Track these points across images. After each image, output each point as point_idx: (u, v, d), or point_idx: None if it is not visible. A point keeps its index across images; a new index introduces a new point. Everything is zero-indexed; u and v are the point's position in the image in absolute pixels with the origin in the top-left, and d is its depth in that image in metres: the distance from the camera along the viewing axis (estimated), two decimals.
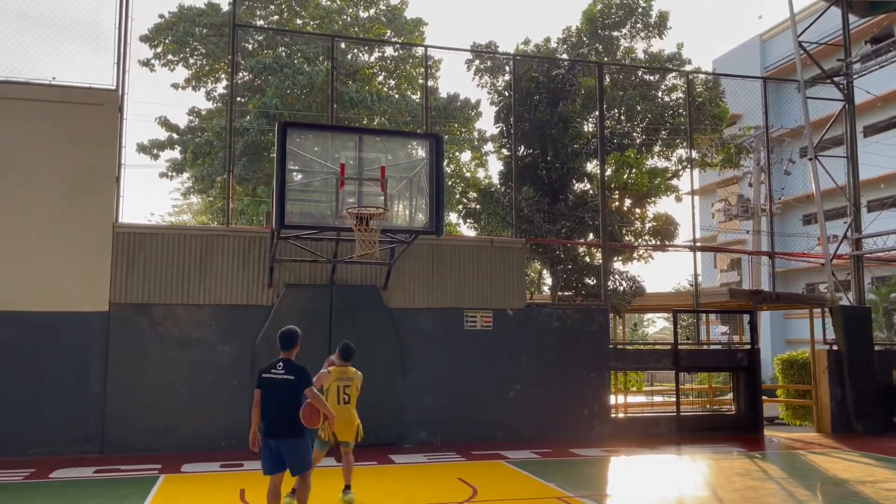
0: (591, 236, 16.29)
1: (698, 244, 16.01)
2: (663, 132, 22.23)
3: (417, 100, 27.38)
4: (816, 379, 15.22)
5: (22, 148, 11.68)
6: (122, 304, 11.84)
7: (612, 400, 15.01)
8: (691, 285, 16.02)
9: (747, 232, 27.26)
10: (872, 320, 26.75)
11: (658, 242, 18.71)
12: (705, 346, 16.14)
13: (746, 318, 15.55)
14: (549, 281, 18.63)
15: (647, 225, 19.36)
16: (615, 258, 19.14)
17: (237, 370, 12.01)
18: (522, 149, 16.74)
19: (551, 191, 16.37)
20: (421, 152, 10.65)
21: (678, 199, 23.48)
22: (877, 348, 15.37)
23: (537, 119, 16.22)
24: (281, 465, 6.41)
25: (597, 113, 20.23)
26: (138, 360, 11.77)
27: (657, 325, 53.93)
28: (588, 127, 18.96)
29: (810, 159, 15.55)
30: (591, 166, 18.30)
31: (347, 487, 7.94)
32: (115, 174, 12.14)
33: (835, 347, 15.04)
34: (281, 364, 6.48)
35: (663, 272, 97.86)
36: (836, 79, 16.17)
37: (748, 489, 8.92)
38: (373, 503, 8.11)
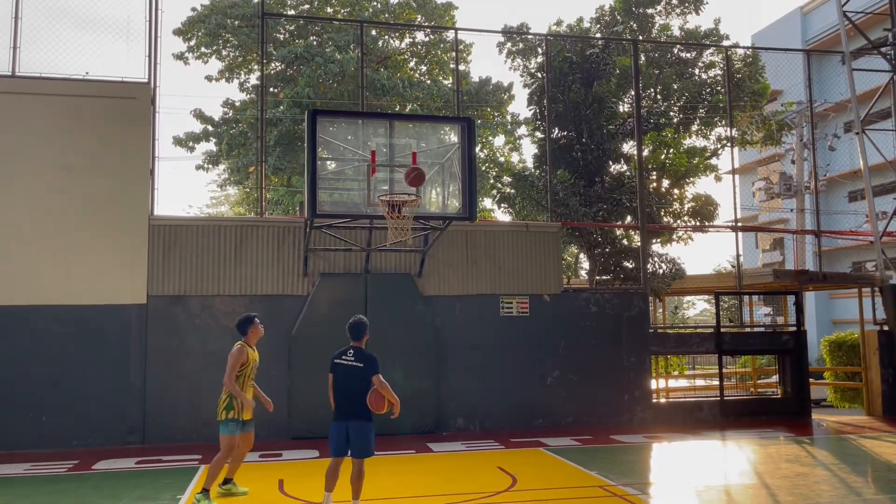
0: (628, 219, 15.93)
1: (739, 224, 15.55)
2: (701, 110, 21.68)
3: (449, 85, 27.13)
4: (867, 360, 14.74)
5: (58, 143, 11.78)
6: (159, 296, 11.93)
7: (654, 385, 14.75)
8: (733, 266, 15.57)
9: (791, 210, 26.50)
10: None
11: (697, 223, 18.26)
12: (749, 329, 15.70)
13: (792, 299, 15.11)
14: (586, 265, 18.33)
15: (687, 206, 18.91)
16: (654, 240, 18.75)
17: (274, 360, 12.01)
18: (557, 131, 16.41)
19: (587, 173, 16.03)
20: (453, 137, 10.47)
21: (718, 178, 22.93)
22: None
23: (571, 100, 15.87)
24: (346, 448, 6.72)
25: (632, 92, 19.78)
26: (177, 351, 11.86)
27: (697, 308, 53.03)
28: (623, 107, 18.54)
29: (857, 133, 14.97)
30: (628, 147, 17.90)
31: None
32: (149, 167, 12.21)
33: (885, 328, 14.53)
34: (351, 352, 6.88)
35: (703, 254, 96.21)
36: (882, 49, 15.51)
37: (797, 476, 8.63)
38: (411, 494, 8.02)
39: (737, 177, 49.88)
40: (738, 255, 14.24)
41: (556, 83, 16.23)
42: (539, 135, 17.42)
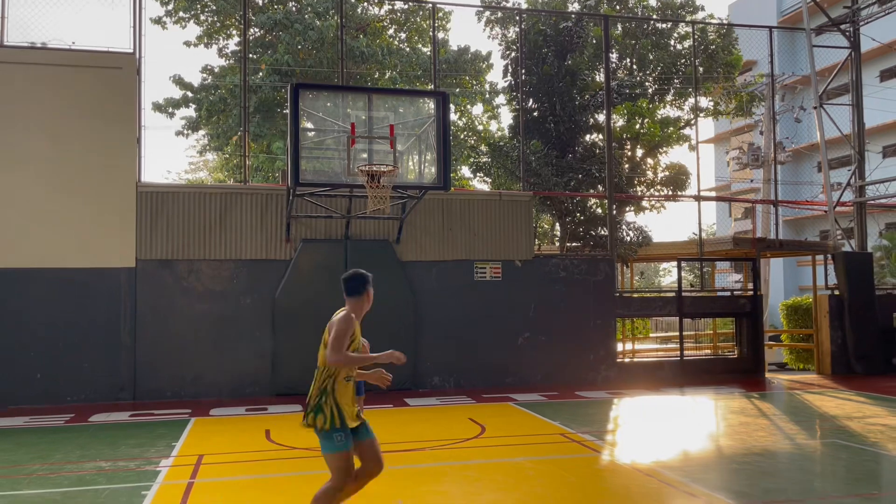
0: (599, 188, 16.61)
1: (711, 193, 16.31)
2: (676, 81, 22.29)
3: (428, 53, 27.46)
4: (818, 323, 15.67)
5: (48, 112, 12.16)
6: (147, 259, 12.45)
7: (620, 346, 15.57)
8: (707, 234, 16.42)
9: (752, 181, 27.35)
10: (885, 266, 27.08)
11: (670, 192, 19.00)
12: (708, 293, 16.55)
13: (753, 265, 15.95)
14: (559, 232, 19.04)
15: (660, 174, 19.64)
16: (628, 208, 19.49)
17: (258, 321, 12.65)
18: (531, 102, 16.98)
19: (559, 144, 16.66)
20: (431, 106, 11.01)
21: (692, 147, 23.61)
22: (878, 293, 15.74)
23: (544, 73, 16.42)
24: None
25: (599, 66, 20.41)
26: (165, 312, 12.43)
27: (672, 275, 54.25)
28: (599, 77, 19.11)
29: (815, 108, 15.70)
30: (601, 118, 18.52)
31: None
32: (136, 135, 12.62)
33: (836, 292, 15.44)
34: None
35: (678, 221, 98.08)
36: (842, 26, 16.19)
37: (741, 425, 9.48)
38: (389, 441, 8.74)
39: (711, 146, 50.73)
40: (699, 224, 14.99)
41: (530, 56, 16.76)
42: (515, 106, 17.96)
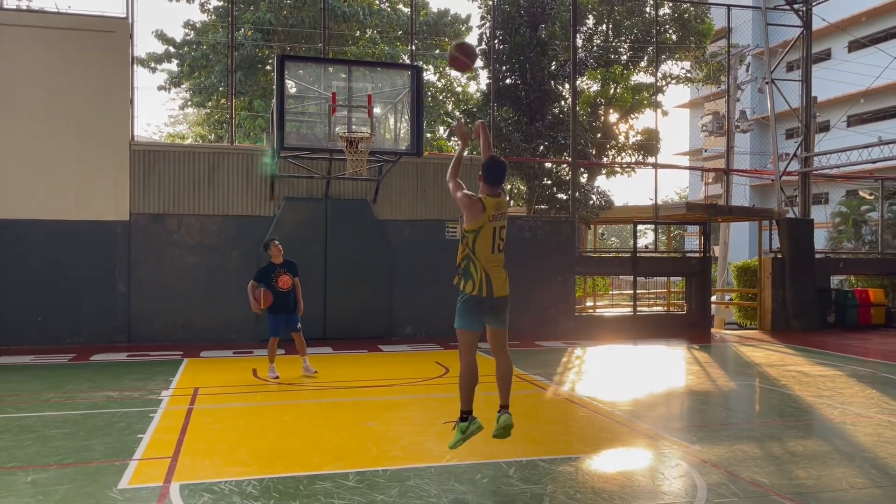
0: (565, 155, 17.65)
1: (683, 159, 17.42)
2: (650, 49, 23.21)
3: (408, 13, 28.07)
4: (762, 283, 17.02)
5: (45, 74, 12.91)
6: (140, 214, 13.38)
7: (580, 303, 16.81)
8: (680, 197, 17.54)
9: (715, 148, 28.53)
10: (843, 231, 28.58)
11: (638, 158, 20.12)
12: (661, 254, 17.79)
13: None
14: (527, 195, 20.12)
15: (632, 139, 20.72)
16: (602, 172, 20.59)
17: (244, 273, 13.59)
18: (504, 69, 17.89)
19: (529, 112, 17.64)
20: (405, 81, 11.95)
21: (664, 113, 24.74)
22: (818, 257, 17.08)
23: (516, 43, 17.32)
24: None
25: (578, 31, 21.24)
26: (157, 263, 13.42)
27: (648, 237, 55.71)
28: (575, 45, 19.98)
29: (767, 83, 16.80)
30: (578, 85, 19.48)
31: None
32: (129, 96, 13.42)
33: (779, 256, 16.76)
34: None
35: (649, 185, 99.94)
36: (795, 6, 17.20)
37: (674, 369, 10.78)
38: (363, 379, 9.93)
39: (687, 111, 51.51)
40: (655, 190, 16.10)
41: (504, 26, 17.62)
42: (487, 74, 18.87)
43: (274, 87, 11.34)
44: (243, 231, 13.81)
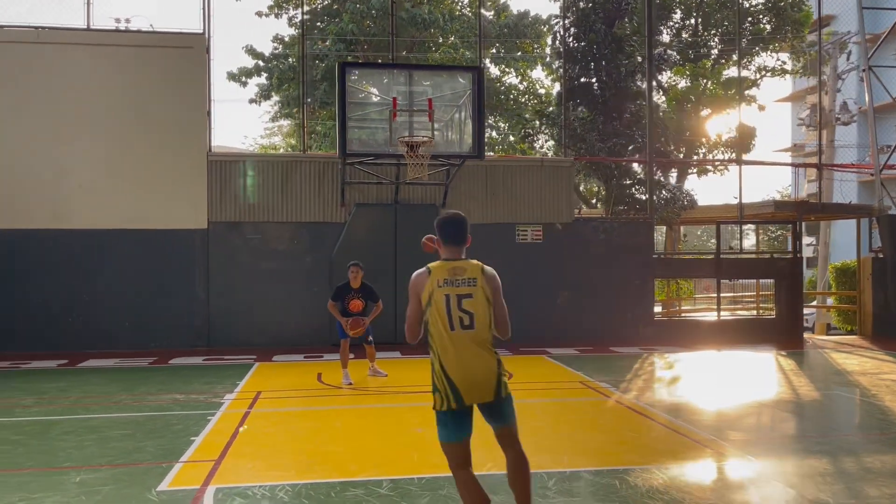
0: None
1: (786, 156, 16.53)
2: (743, 41, 22.12)
3: (490, 17, 27.98)
4: (861, 285, 15.86)
5: (128, 88, 13.58)
6: (217, 222, 13.84)
7: (672, 306, 16.16)
8: (782, 196, 16.64)
9: (816, 141, 26.84)
10: None
11: (733, 155, 19.10)
12: (748, 255, 16.86)
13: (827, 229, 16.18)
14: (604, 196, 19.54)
15: (725, 136, 19.77)
16: (690, 171, 19.76)
17: (316, 278, 13.90)
18: (578, 69, 17.46)
19: (605, 110, 17.12)
20: (467, 83, 11.80)
21: (761, 108, 23.46)
22: None
23: (590, 40, 16.87)
24: None
25: (661, 28, 20.53)
26: (234, 270, 13.84)
27: (750, 239, 53.23)
28: (661, 39, 19.30)
29: (864, 70, 15.66)
30: (654, 84, 18.80)
31: None
32: (206, 109, 13.92)
33: (880, 255, 15.57)
34: None
35: (755, 183, 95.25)
36: None
37: (747, 378, 10.13)
38: (426, 384, 9.83)
39: (788, 104, 48.97)
40: (739, 187, 15.32)
41: (579, 24, 17.19)
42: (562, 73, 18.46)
43: (338, 94, 11.45)
44: (315, 237, 14.04)
